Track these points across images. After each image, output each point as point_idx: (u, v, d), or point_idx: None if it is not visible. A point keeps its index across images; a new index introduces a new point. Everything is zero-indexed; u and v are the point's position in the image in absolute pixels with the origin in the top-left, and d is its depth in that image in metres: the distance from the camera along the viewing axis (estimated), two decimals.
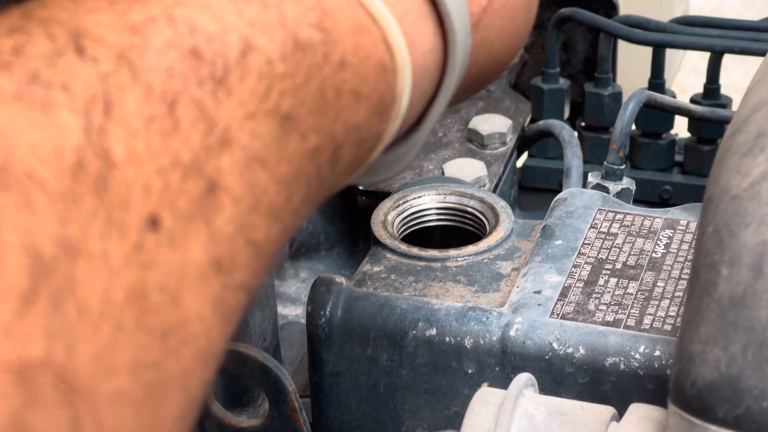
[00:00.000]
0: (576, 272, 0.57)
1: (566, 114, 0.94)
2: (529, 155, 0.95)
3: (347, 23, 0.35)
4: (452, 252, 0.60)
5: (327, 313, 0.56)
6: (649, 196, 0.89)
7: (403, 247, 0.61)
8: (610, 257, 0.58)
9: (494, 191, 0.79)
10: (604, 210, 0.61)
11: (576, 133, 0.90)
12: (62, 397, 0.26)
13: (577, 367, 0.53)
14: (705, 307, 0.39)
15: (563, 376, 0.53)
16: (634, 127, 0.93)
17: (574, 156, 0.77)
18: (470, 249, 0.61)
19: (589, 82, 0.93)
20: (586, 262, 0.58)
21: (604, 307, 0.55)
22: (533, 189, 0.94)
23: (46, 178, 0.26)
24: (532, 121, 0.90)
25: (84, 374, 0.26)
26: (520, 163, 0.95)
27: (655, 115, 0.89)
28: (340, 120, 0.35)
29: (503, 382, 0.53)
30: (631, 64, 0.99)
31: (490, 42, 0.43)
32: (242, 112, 0.31)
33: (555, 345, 0.53)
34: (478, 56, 0.42)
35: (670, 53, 0.93)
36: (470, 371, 0.55)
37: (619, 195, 0.69)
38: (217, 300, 0.30)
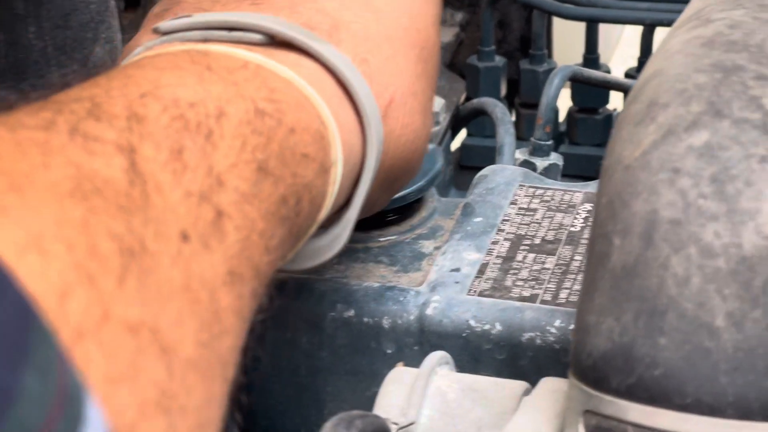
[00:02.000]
0: (494, 249, 0.57)
1: (503, 92, 0.94)
2: (468, 134, 0.95)
3: (289, 99, 0.42)
4: (375, 233, 0.60)
5: None
6: (587, 171, 0.89)
7: None
8: (528, 233, 0.58)
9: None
10: (525, 186, 0.61)
11: (508, 111, 0.90)
12: (159, 351, 0.32)
13: (495, 344, 0.53)
14: (599, 278, 0.39)
15: (481, 353, 0.53)
16: (570, 102, 0.94)
17: (506, 133, 0.77)
18: (393, 229, 0.61)
19: (525, 59, 0.93)
20: (505, 239, 0.58)
21: (521, 283, 0.55)
22: (472, 168, 0.93)
23: (110, 193, 0.34)
24: (469, 99, 0.89)
25: (168, 337, 0.33)
26: (459, 142, 0.95)
27: (590, 90, 0.89)
28: (298, 176, 0.42)
29: (422, 361, 0.52)
30: (568, 40, 0.99)
31: (397, 135, 0.49)
32: (228, 162, 0.38)
33: (472, 322, 0.53)
34: (388, 147, 0.48)
35: (607, 28, 0.94)
36: (389, 351, 0.55)
37: (547, 170, 0.69)
38: (236, 305, 0.37)
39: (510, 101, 0.96)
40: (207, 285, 0.36)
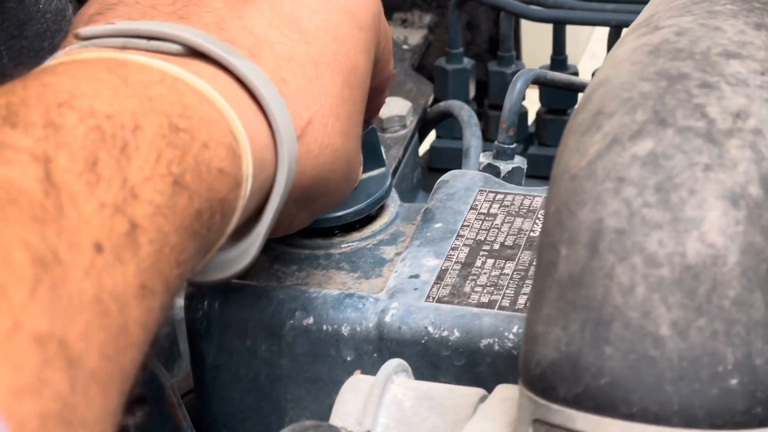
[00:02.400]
0: (454, 255, 0.57)
1: (472, 94, 0.94)
2: (437, 136, 0.95)
3: (202, 115, 0.43)
4: (336, 239, 0.60)
5: (204, 306, 0.56)
6: None
7: (287, 237, 0.60)
8: (488, 238, 0.58)
9: (394, 174, 0.79)
10: (485, 191, 0.61)
11: (477, 113, 0.90)
12: (65, 363, 0.33)
13: (453, 350, 0.53)
14: (547, 288, 0.39)
15: (440, 360, 0.53)
16: (539, 104, 0.94)
17: (473, 136, 0.77)
18: (354, 235, 0.61)
19: (494, 60, 0.93)
20: (464, 244, 0.58)
21: (480, 289, 0.55)
22: (441, 170, 0.93)
23: (24, 203, 0.35)
24: (437, 102, 0.89)
25: (74, 349, 0.34)
26: (428, 144, 0.95)
27: (559, 91, 0.89)
28: (213, 190, 0.42)
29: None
30: (536, 42, 0.99)
31: (315, 155, 0.49)
32: (143, 175, 0.39)
33: (430, 329, 0.53)
34: (305, 166, 0.49)
35: (576, 29, 0.94)
36: (349, 359, 0.55)
37: (511, 174, 0.69)
38: (145, 319, 0.38)
39: (479, 103, 0.96)
40: (118, 298, 0.36)
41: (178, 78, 0.43)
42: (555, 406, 0.38)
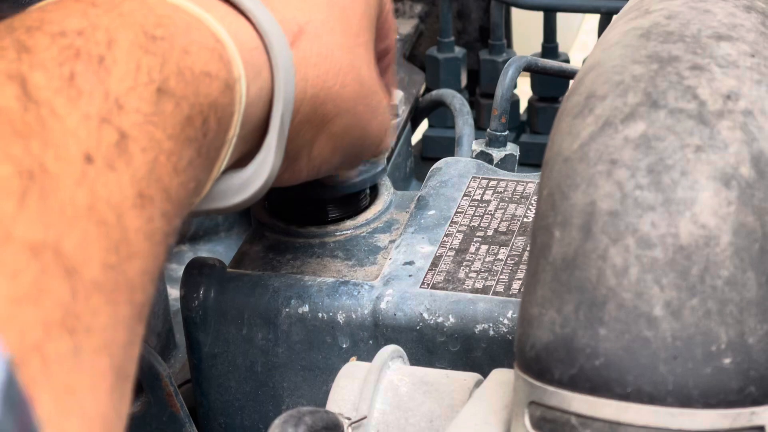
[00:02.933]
0: (448, 241, 0.57)
1: (463, 82, 0.94)
2: (430, 125, 0.95)
3: (178, 22, 0.43)
4: (330, 227, 0.61)
5: (200, 295, 0.56)
6: None
7: (281, 225, 0.61)
8: (482, 224, 0.58)
9: (387, 164, 0.79)
10: (478, 177, 0.61)
11: (469, 101, 0.90)
12: (63, 272, 0.33)
13: (448, 336, 0.53)
14: (541, 270, 0.40)
15: (435, 346, 0.53)
16: (531, 92, 0.94)
17: (465, 125, 0.77)
18: (348, 224, 0.61)
19: (485, 49, 0.93)
20: (458, 231, 0.58)
21: (474, 275, 0.55)
22: (435, 159, 0.93)
23: (3, 119, 0.35)
24: (429, 91, 0.90)
25: (72, 258, 0.33)
26: (420, 133, 0.95)
27: (550, 79, 0.89)
28: (201, 94, 0.42)
29: None
30: (527, 29, 0.99)
31: (313, 63, 0.49)
32: (125, 85, 0.39)
33: (425, 315, 0.53)
34: (306, 74, 0.49)
35: (567, 17, 0.94)
36: (345, 346, 0.55)
37: (504, 161, 0.69)
38: (146, 228, 0.37)
39: (471, 91, 0.97)
40: (114, 207, 0.36)
41: None
42: (550, 388, 0.38)
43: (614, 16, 0.48)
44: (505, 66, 0.71)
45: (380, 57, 0.57)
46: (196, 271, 0.56)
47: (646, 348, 0.37)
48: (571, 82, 0.44)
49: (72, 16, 0.40)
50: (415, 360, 0.53)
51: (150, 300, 0.37)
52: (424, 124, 0.95)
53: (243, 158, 0.47)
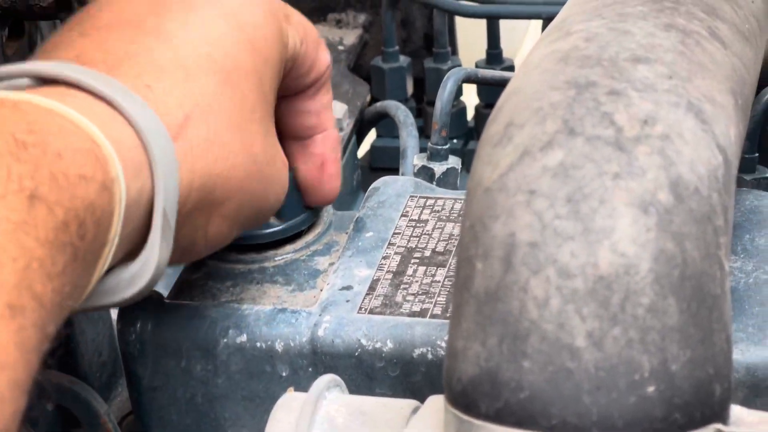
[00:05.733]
0: (385, 264, 0.57)
1: (410, 91, 0.94)
2: (378, 135, 0.95)
3: (51, 127, 0.43)
4: (270, 252, 0.60)
5: (137, 328, 0.55)
6: None
7: (221, 252, 0.60)
8: (419, 245, 0.58)
9: None
10: (416, 196, 0.61)
11: (414, 111, 0.90)
12: None
13: (387, 361, 0.53)
14: (464, 303, 0.39)
15: (375, 371, 0.53)
16: (477, 100, 0.94)
17: (409, 136, 0.77)
18: (288, 248, 0.60)
19: (430, 57, 0.93)
20: (395, 253, 0.58)
21: (411, 298, 0.55)
22: (383, 169, 0.93)
23: None
24: (375, 101, 0.89)
25: None
26: (369, 144, 0.95)
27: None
28: (77, 198, 0.42)
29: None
30: (473, 36, 0.99)
31: (201, 150, 0.49)
32: None
33: (363, 341, 0.53)
34: (194, 164, 0.48)
35: (512, 23, 0.94)
36: (284, 374, 0.54)
37: (445, 175, 0.69)
38: (16, 339, 0.37)
39: (418, 99, 0.96)
40: None
41: (20, 101, 0.43)
42: (477, 422, 0.38)
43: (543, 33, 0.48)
44: (444, 80, 0.70)
45: (312, 83, 0.57)
46: (133, 303, 0.56)
47: (569, 379, 0.37)
48: (496, 105, 0.44)
49: None
50: (356, 386, 0.53)
51: (21, 410, 0.37)
52: (373, 134, 0.95)
53: (132, 251, 0.47)
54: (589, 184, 0.38)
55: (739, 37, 0.48)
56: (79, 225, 0.42)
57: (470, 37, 1.00)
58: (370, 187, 0.63)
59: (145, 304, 0.56)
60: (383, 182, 0.63)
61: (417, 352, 0.53)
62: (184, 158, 0.48)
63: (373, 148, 0.94)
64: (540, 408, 0.37)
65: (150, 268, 0.47)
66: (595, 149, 0.39)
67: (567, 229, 0.38)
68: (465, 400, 0.39)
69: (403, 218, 0.60)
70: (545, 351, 0.37)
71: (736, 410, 0.40)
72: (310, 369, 0.54)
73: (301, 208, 0.60)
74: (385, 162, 0.93)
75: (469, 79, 0.73)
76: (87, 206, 0.42)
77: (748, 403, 0.48)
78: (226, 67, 0.50)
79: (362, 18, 0.96)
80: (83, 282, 0.43)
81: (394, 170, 0.93)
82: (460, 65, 0.92)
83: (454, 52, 0.95)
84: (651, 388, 0.37)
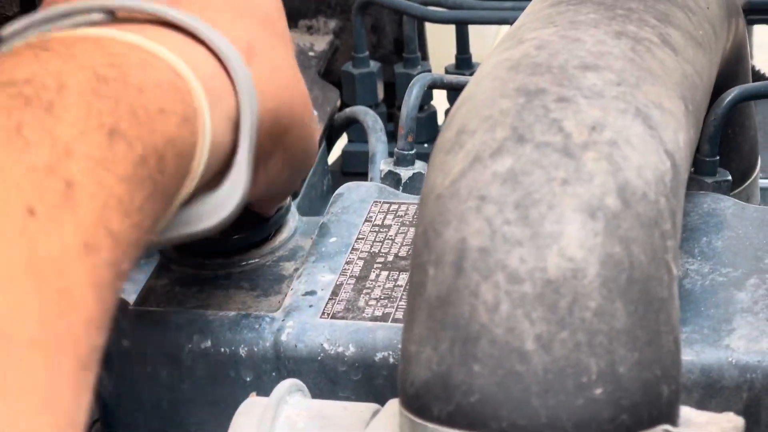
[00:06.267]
0: (348, 269, 0.57)
1: (380, 96, 0.94)
2: (349, 140, 0.95)
3: (132, 60, 0.43)
4: (236, 258, 0.61)
5: None
6: None
7: (187, 258, 0.61)
8: (382, 250, 0.58)
9: (301, 184, 0.79)
10: (380, 202, 0.62)
11: (383, 117, 0.91)
12: None
13: (350, 365, 0.53)
14: (417, 308, 0.40)
15: (337, 375, 0.54)
16: (447, 104, 0.94)
17: (378, 141, 0.78)
18: (254, 253, 0.61)
19: (401, 62, 0.94)
20: (359, 258, 0.58)
21: (374, 302, 0.55)
22: (355, 174, 0.94)
23: None
24: (347, 106, 0.90)
25: (4, 319, 0.33)
26: (339, 149, 0.96)
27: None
28: (156, 132, 0.42)
29: None
30: (443, 40, 1.00)
31: (268, 78, 0.50)
32: (75, 131, 0.39)
33: (326, 345, 0.54)
34: (265, 89, 0.49)
35: (482, 28, 0.94)
36: (248, 379, 0.55)
37: (412, 180, 0.70)
38: (91, 277, 0.37)
39: (390, 104, 0.97)
40: (55, 260, 0.36)
41: (102, 36, 0.43)
42: (430, 425, 0.39)
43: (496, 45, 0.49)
44: (409, 86, 0.71)
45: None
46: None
47: (518, 383, 0.37)
48: (450, 113, 0.44)
49: (22, 63, 0.41)
50: (319, 390, 0.54)
51: (98, 346, 0.38)
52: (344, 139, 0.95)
53: (211, 181, 0.47)
54: (537, 190, 0.39)
55: (692, 43, 0.49)
56: (159, 159, 0.42)
57: (440, 42, 1.01)
58: (335, 193, 0.63)
59: None
60: (347, 188, 0.64)
61: (379, 356, 0.53)
62: (256, 84, 0.48)
63: (345, 152, 0.95)
64: (490, 411, 0.38)
65: (238, 192, 0.47)
66: (543, 156, 0.39)
67: (516, 235, 0.38)
68: (418, 404, 0.39)
69: (367, 223, 0.60)
70: (495, 355, 0.38)
71: (686, 411, 0.40)
72: (273, 374, 0.55)
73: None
74: (356, 167, 0.94)
75: (434, 85, 0.73)
76: (167, 140, 0.42)
77: (703, 404, 0.49)
78: (260, 14, 0.52)
79: (333, 24, 0.97)
80: (162, 215, 0.43)
81: (365, 175, 0.94)
82: (430, 70, 0.93)
83: (425, 57, 0.96)
84: (599, 390, 0.37)
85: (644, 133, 0.41)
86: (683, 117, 0.44)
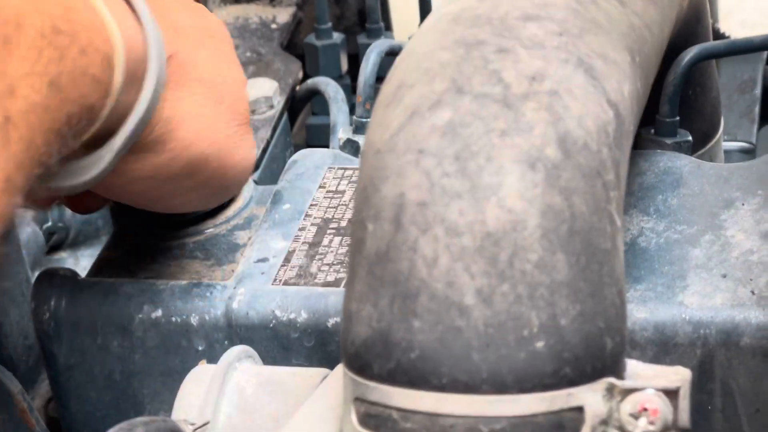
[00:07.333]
0: (301, 235, 0.57)
1: (344, 68, 0.93)
2: (313, 113, 0.94)
3: (84, 20, 0.43)
4: (190, 228, 0.60)
5: (51, 306, 0.55)
6: None
7: (141, 229, 0.60)
8: (335, 216, 0.58)
9: (263, 155, 0.79)
10: (334, 168, 0.61)
11: (347, 88, 0.90)
12: None
13: (302, 332, 0.53)
14: (357, 265, 0.39)
15: (290, 342, 0.53)
16: None
17: (339, 112, 0.77)
18: (208, 223, 0.60)
19: (364, 33, 0.93)
20: (312, 224, 0.57)
21: (326, 268, 0.54)
22: (319, 146, 0.93)
23: None
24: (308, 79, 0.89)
25: None
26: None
27: None
28: (84, 96, 0.43)
29: None
30: (406, 11, 0.99)
31: (174, 85, 0.51)
32: (22, 71, 0.39)
33: (278, 312, 0.53)
34: (166, 93, 0.50)
35: None
36: (200, 348, 0.54)
37: None
38: (5, 213, 0.39)
39: (353, 77, 0.96)
40: None
41: None
42: (371, 384, 0.38)
43: None
44: (366, 53, 0.70)
45: None
46: (46, 282, 0.55)
47: (458, 338, 0.37)
48: (391, 68, 0.43)
49: None
50: (272, 358, 0.53)
51: None
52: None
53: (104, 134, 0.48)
54: (476, 141, 0.38)
55: None
56: (78, 121, 0.43)
57: (404, 13, 1.00)
58: (290, 160, 0.62)
59: (58, 281, 0.55)
60: (302, 155, 0.63)
61: (331, 321, 0.52)
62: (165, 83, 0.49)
63: (308, 126, 0.94)
64: (431, 367, 0.37)
65: (103, 162, 0.48)
66: (482, 107, 0.38)
67: (455, 187, 0.37)
68: (359, 362, 0.39)
69: (321, 189, 0.60)
70: (435, 310, 0.37)
71: (632, 364, 0.39)
72: (226, 342, 0.54)
73: None
74: (321, 140, 0.92)
75: (393, 52, 0.72)
76: (89, 107, 0.44)
77: (657, 360, 0.48)
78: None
79: None
80: (57, 168, 0.44)
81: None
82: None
83: (388, 27, 0.95)
84: (540, 344, 0.37)
85: (586, 83, 0.40)
86: (629, 68, 0.43)
